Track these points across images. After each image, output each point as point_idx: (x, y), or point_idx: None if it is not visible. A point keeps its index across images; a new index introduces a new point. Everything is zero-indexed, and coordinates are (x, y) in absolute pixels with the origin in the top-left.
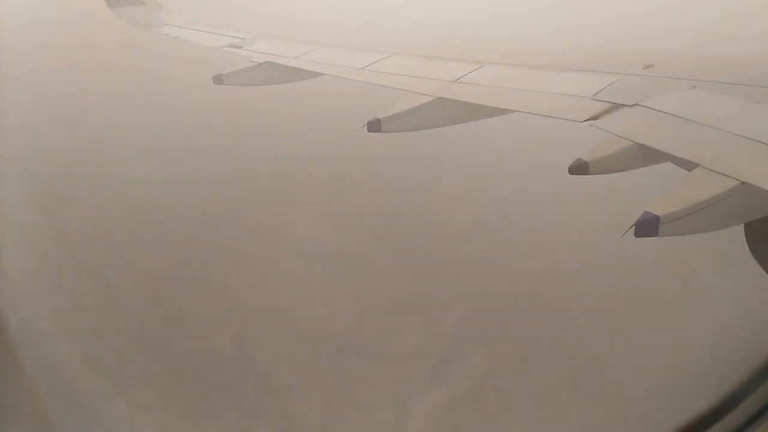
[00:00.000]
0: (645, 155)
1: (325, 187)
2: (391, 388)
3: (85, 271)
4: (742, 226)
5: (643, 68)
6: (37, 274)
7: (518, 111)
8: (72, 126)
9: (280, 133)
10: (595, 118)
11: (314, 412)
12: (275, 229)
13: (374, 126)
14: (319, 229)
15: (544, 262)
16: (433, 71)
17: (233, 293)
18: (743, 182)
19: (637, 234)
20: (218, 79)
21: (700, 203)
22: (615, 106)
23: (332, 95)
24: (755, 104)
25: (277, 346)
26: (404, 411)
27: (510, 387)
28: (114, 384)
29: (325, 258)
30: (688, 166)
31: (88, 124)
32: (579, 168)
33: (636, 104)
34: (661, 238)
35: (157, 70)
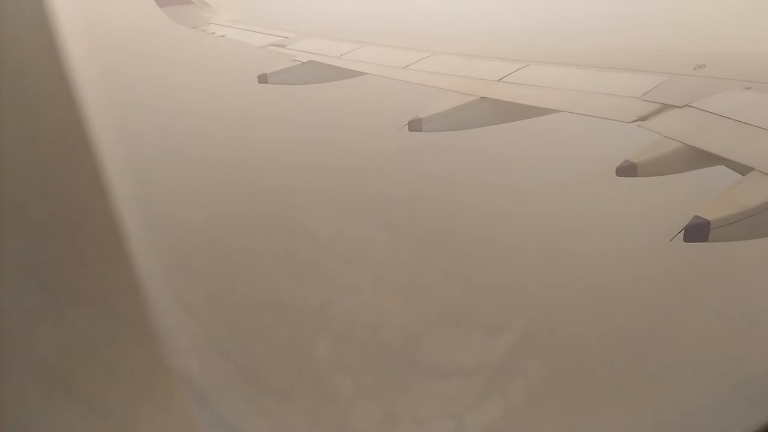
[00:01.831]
0: (696, 158)
1: (368, 189)
2: (446, 401)
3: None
4: None
5: (695, 68)
6: None
7: (563, 111)
8: (111, 126)
9: (323, 133)
10: (643, 118)
11: (369, 421)
12: (325, 236)
13: (416, 125)
14: (368, 235)
15: (595, 269)
16: (476, 70)
17: (285, 300)
18: None
19: (687, 239)
20: (263, 78)
21: (753, 208)
22: (664, 107)
23: (375, 94)
24: None
25: (332, 355)
26: (460, 424)
27: (566, 401)
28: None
29: (375, 265)
30: (742, 170)
31: (128, 125)
32: (627, 170)
33: (686, 105)
34: (712, 243)
35: (203, 69)
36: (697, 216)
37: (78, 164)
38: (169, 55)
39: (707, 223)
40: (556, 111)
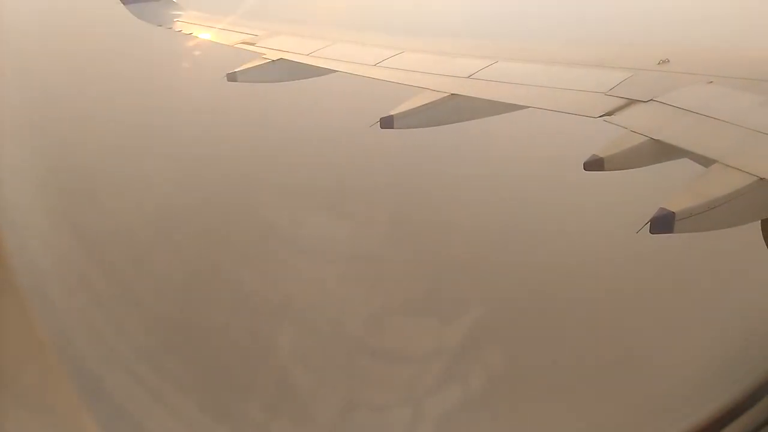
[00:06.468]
0: (661, 151)
1: (338, 185)
2: (405, 388)
3: (100, 269)
4: (758, 222)
5: (659, 63)
6: (53, 271)
7: (532, 107)
8: (81, 123)
9: (293, 131)
10: (610, 113)
11: (329, 410)
12: (289, 229)
13: (387, 122)
14: (333, 228)
15: (559, 260)
16: (446, 67)
17: (248, 293)
18: (761, 178)
19: (653, 231)
20: (232, 77)
21: (716, 200)
22: (630, 102)
23: (345, 91)
24: None
25: (293, 346)
26: (418, 410)
27: (523, 386)
28: (133, 380)
29: (339, 258)
30: (705, 162)
31: (98, 122)
32: (594, 164)
33: (651, 100)
34: (678, 234)
35: (170, 68)
36: (662, 208)
37: None
38: (136, 54)
39: (672, 214)
40: (525, 107)
